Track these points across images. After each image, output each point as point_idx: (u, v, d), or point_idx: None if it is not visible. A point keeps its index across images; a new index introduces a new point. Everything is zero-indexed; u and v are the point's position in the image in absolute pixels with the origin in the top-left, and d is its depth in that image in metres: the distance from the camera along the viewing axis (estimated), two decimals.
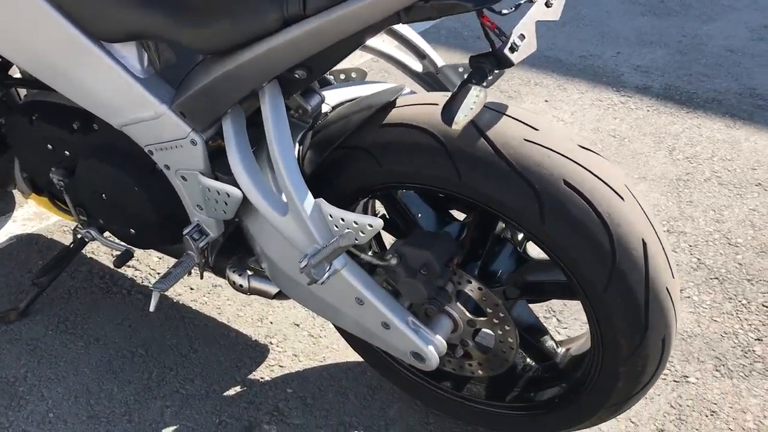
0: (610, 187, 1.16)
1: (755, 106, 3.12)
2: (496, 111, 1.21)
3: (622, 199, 1.17)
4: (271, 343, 1.79)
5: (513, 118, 1.19)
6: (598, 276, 1.16)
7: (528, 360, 1.54)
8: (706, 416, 1.66)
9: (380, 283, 1.34)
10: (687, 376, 1.76)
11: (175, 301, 1.90)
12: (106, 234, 1.65)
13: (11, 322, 1.80)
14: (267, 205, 1.24)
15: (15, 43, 1.33)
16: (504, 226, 1.41)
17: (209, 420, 1.59)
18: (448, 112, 1.00)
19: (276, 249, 1.36)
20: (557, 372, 1.46)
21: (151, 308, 1.44)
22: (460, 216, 1.48)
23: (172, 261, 2.02)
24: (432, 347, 1.31)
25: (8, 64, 1.72)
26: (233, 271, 1.54)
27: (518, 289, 1.35)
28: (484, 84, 1.02)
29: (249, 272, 1.54)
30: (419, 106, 1.25)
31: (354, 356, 1.76)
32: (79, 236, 1.67)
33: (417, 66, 1.59)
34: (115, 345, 1.76)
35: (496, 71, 1.04)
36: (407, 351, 1.33)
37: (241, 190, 1.29)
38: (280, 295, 1.55)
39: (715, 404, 1.69)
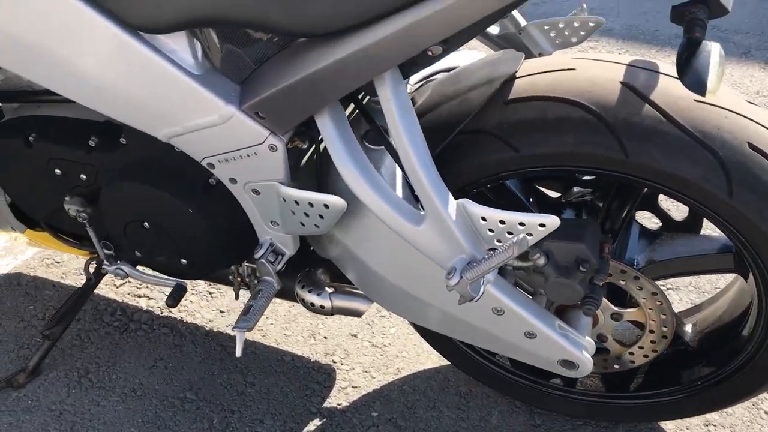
0: None
1: (719, 39, 3.11)
2: (648, 70, 1.03)
3: None
4: (334, 362, 1.57)
5: (671, 76, 1.02)
6: None
7: None
8: None
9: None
10: None
11: (207, 329, 1.63)
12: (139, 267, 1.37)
13: (21, 386, 1.48)
14: (397, 214, 1.02)
15: (20, 47, 1.03)
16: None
17: None
18: (694, 78, 0.81)
19: (384, 260, 1.15)
20: (688, 354, 1.33)
21: (238, 353, 1.19)
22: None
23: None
24: (585, 351, 1.14)
25: None
26: (309, 291, 1.31)
27: (662, 268, 1.19)
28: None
29: (328, 290, 1.31)
30: (554, 73, 1.06)
31: (427, 361, 1.57)
32: (102, 272, 1.38)
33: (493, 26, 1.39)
34: (157, 393, 1.48)
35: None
36: (555, 360, 1.16)
37: (344, 198, 1.06)
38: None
39: None
